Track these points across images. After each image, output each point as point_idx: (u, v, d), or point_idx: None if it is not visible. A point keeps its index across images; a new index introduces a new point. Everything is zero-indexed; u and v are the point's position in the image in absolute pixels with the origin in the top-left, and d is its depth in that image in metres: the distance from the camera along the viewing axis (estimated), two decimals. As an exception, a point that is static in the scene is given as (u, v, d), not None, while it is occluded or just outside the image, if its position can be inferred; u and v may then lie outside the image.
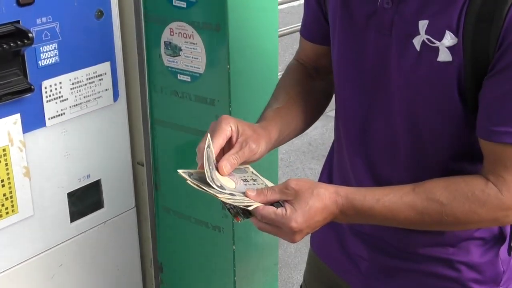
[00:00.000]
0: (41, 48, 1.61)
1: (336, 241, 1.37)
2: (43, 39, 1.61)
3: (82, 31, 1.70)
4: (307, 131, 1.42)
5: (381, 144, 1.23)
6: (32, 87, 1.59)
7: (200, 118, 1.82)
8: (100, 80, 1.78)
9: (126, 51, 1.84)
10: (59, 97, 1.69)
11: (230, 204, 1.07)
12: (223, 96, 1.74)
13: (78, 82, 1.73)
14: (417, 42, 1.10)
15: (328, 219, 1.10)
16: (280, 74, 1.73)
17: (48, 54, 1.63)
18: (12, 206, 1.66)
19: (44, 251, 1.77)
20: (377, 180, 1.23)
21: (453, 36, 1.07)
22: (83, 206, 1.85)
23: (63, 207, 1.79)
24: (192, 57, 1.76)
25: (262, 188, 1.10)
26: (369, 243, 1.31)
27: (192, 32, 1.74)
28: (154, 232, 2.04)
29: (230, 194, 1.07)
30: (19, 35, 1.53)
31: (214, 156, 1.12)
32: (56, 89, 1.68)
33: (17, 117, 1.61)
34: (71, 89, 1.71)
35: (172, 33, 1.78)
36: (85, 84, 1.74)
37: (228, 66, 1.70)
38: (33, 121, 1.65)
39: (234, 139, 1.16)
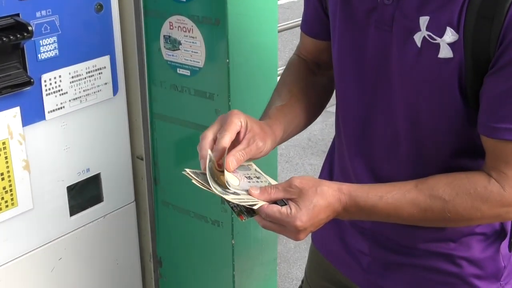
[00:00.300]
0: (40, 41, 1.61)
1: (337, 237, 1.38)
2: (43, 32, 1.61)
3: (81, 24, 1.70)
4: (307, 126, 1.42)
5: (381, 140, 1.23)
6: (32, 80, 1.59)
7: (199, 112, 1.82)
8: (99, 73, 1.78)
9: (126, 45, 1.84)
10: (59, 90, 1.69)
11: (234, 203, 1.07)
12: (223, 90, 1.74)
13: (77, 75, 1.73)
14: (418, 38, 1.10)
15: (331, 216, 1.11)
16: (279, 70, 1.74)
17: (47, 47, 1.63)
18: (12, 199, 1.66)
19: (43, 245, 1.78)
20: (376, 177, 1.23)
21: (454, 32, 1.06)
22: (83, 200, 1.85)
23: (62, 201, 1.79)
24: (192, 51, 1.76)
25: (265, 186, 1.10)
26: (370, 238, 1.31)
27: (192, 26, 1.73)
28: (153, 226, 2.04)
29: (234, 193, 1.07)
30: (19, 28, 1.53)
31: (215, 165, 1.12)
32: (55, 82, 1.68)
33: (16, 110, 1.61)
34: (70, 82, 1.71)
35: (171, 27, 1.78)
36: (85, 78, 1.74)
37: (227, 61, 1.70)
38: (33, 114, 1.65)
39: (242, 134, 1.16)
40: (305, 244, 3.14)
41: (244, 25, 1.71)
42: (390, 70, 1.16)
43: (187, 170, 1.09)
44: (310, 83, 1.38)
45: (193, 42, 1.75)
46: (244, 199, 1.07)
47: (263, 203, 1.07)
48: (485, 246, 1.24)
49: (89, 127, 1.80)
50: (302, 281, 1.56)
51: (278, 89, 1.37)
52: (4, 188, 1.63)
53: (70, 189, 1.80)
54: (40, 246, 1.77)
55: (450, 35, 1.07)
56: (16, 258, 1.72)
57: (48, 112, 1.69)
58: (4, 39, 1.49)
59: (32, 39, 1.57)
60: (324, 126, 4.32)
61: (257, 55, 1.79)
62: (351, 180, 1.28)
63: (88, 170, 1.83)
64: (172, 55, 1.81)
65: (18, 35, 1.52)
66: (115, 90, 1.83)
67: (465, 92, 1.10)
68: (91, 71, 1.75)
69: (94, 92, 1.78)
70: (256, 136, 1.15)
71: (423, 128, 1.16)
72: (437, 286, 1.27)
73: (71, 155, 1.78)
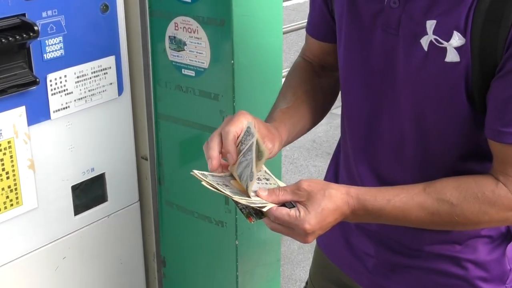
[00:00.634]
0: (46, 41, 1.62)
1: (343, 238, 1.38)
2: (49, 32, 1.62)
3: (87, 24, 1.70)
4: (311, 128, 1.42)
5: (387, 143, 1.22)
6: (37, 80, 1.60)
7: (204, 113, 1.82)
8: (104, 74, 1.78)
9: (131, 45, 1.84)
10: (64, 90, 1.70)
11: (243, 204, 1.07)
12: (227, 91, 1.74)
13: (83, 75, 1.73)
14: (424, 42, 1.10)
15: (339, 219, 1.11)
16: (284, 71, 1.74)
17: (53, 47, 1.64)
18: (17, 198, 1.66)
19: (48, 244, 1.78)
20: (382, 180, 1.23)
21: (461, 36, 1.06)
22: (87, 199, 1.85)
23: (67, 200, 1.80)
24: (197, 52, 1.77)
25: (273, 188, 1.10)
26: (376, 241, 1.31)
27: (197, 27, 1.74)
28: (157, 227, 2.04)
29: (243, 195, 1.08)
30: (25, 28, 1.54)
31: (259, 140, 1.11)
32: (61, 82, 1.68)
33: (22, 109, 1.62)
34: (76, 82, 1.72)
35: (176, 28, 1.78)
36: (90, 78, 1.75)
37: (232, 62, 1.70)
38: (38, 114, 1.66)
39: None
40: (308, 246, 3.13)
41: (249, 26, 1.72)
42: (396, 74, 1.16)
43: (195, 171, 1.09)
44: (315, 85, 1.37)
45: (198, 43, 1.75)
46: (253, 201, 1.07)
47: (272, 205, 1.07)
48: (491, 249, 1.24)
49: (94, 127, 1.81)
50: (307, 283, 1.56)
51: (283, 91, 1.37)
52: (9, 187, 1.64)
53: (75, 188, 1.81)
54: (45, 245, 1.78)
55: (457, 39, 1.06)
56: (20, 257, 1.73)
57: (53, 112, 1.69)
58: (10, 38, 1.50)
59: (38, 39, 1.57)
60: (329, 128, 4.31)
61: (261, 56, 1.79)
62: (356, 182, 1.28)
63: (92, 169, 1.84)
64: (177, 56, 1.81)
65: (24, 35, 1.52)
66: (120, 90, 1.84)
67: (472, 96, 1.09)
68: (97, 71, 1.76)
69: (99, 92, 1.79)
70: (265, 138, 1.16)
71: (429, 132, 1.16)
72: None
73: (76, 154, 1.78)
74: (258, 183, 1.11)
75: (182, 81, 1.83)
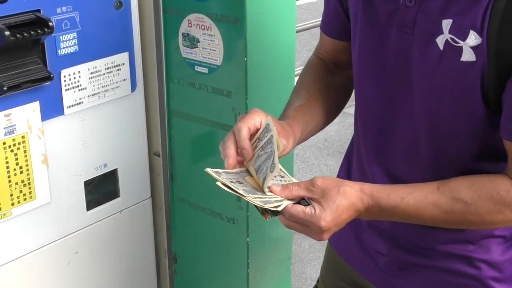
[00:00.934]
0: (60, 37, 1.63)
1: (354, 237, 1.37)
2: (63, 28, 1.63)
3: (101, 21, 1.71)
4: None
5: (400, 143, 1.22)
6: (51, 75, 1.61)
7: (216, 110, 1.82)
8: (118, 70, 1.79)
9: (144, 42, 1.85)
10: (78, 86, 1.71)
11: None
12: (240, 89, 1.74)
13: (96, 71, 1.74)
14: (440, 41, 1.09)
15: (353, 216, 1.10)
16: (297, 70, 1.74)
17: (67, 43, 1.65)
18: (30, 192, 1.68)
19: (60, 238, 1.79)
20: (394, 180, 1.22)
21: (477, 36, 1.05)
22: (99, 195, 1.86)
23: (79, 195, 1.81)
24: (210, 49, 1.77)
25: (287, 183, 1.10)
26: (388, 239, 1.30)
27: (210, 24, 1.74)
28: (169, 223, 2.05)
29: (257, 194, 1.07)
30: (40, 24, 1.54)
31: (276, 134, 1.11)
32: (74, 78, 1.69)
33: (36, 105, 1.63)
34: (89, 78, 1.73)
35: (190, 25, 1.79)
36: (104, 74, 1.76)
37: (245, 59, 1.70)
38: (52, 109, 1.67)
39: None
40: (319, 245, 3.13)
41: (262, 24, 1.72)
42: (411, 73, 1.15)
43: (209, 169, 1.08)
44: (329, 83, 1.37)
45: (211, 40, 1.76)
46: (267, 199, 1.07)
47: (287, 203, 1.07)
48: (504, 249, 1.23)
49: (107, 123, 1.81)
50: (318, 281, 1.56)
51: (296, 89, 1.37)
52: (22, 181, 1.65)
53: (87, 184, 1.82)
54: (57, 240, 1.79)
55: (473, 39, 1.06)
56: (33, 251, 1.74)
57: (67, 107, 1.70)
58: (25, 34, 1.51)
59: (52, 34, 1.58)
60: (341, 127, 4.30)
61: (275, 54, 1.79)
62: (369, 180, 1.27)
63: (105, 165, 1.85)
64: (190, 53, 1.82)
65: (39, 31, 1.53)
66: (133, 86, 1.84)
67: (487, 96, 1.09)
68: (110, 67, 1.77)
69: (113, 88, 1.79)
70: (279, 134, 1.15)
71: (443, 131, 1.15)
72: None
73: (88, 150, 1.79)
74: (273, 180, 1.11)
75: (195, 78, 1.83)
